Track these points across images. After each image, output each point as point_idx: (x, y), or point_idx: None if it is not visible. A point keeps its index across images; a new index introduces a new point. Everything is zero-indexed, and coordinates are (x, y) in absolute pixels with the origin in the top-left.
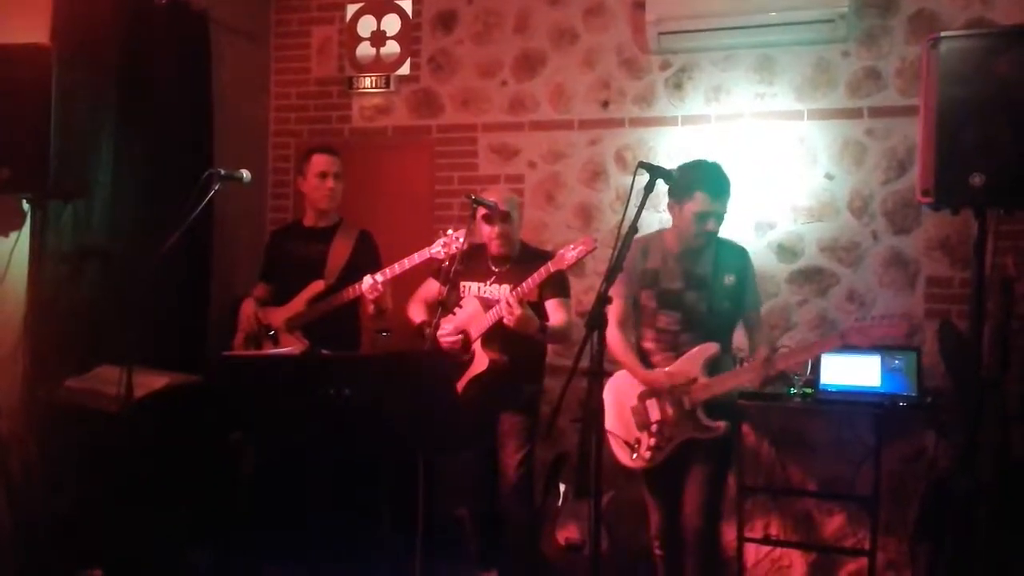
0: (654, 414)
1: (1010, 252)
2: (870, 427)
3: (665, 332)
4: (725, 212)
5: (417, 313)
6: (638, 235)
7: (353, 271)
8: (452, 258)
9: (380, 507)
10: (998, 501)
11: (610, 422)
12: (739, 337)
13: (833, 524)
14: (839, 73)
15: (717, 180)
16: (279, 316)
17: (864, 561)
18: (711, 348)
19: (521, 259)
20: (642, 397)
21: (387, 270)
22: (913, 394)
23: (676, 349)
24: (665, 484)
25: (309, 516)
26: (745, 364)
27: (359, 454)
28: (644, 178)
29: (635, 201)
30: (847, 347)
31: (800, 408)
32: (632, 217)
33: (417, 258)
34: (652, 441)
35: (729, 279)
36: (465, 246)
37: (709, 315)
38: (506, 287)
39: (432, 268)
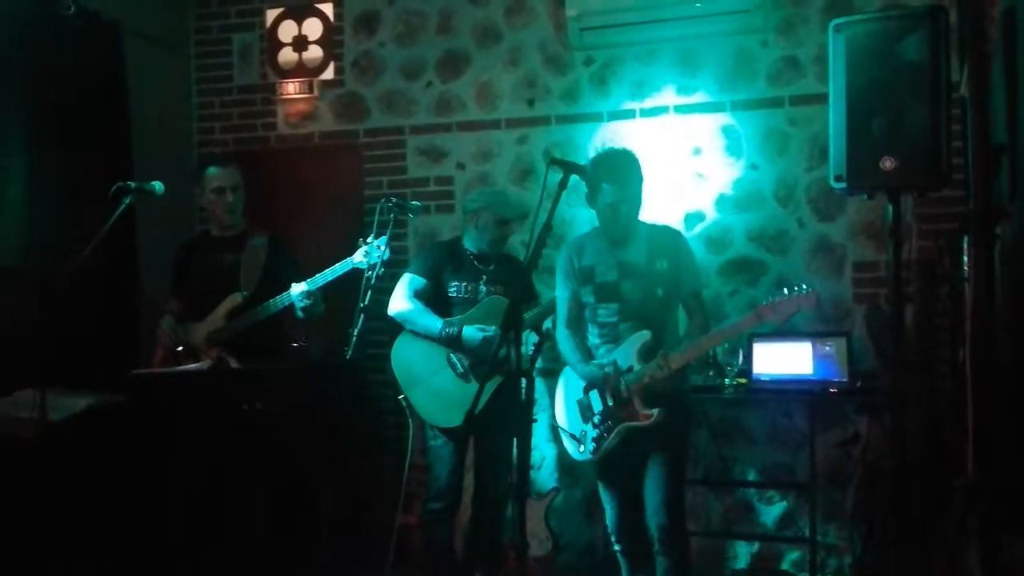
0: (596, 405)
1: (933, 235)
2: (804, 414)
3: (605, 325)
4: (637, 197)
5: (417, 309)
6: (574, 236)
7: (271, 277)
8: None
9: (318, 521)
10: (928, 482)
11: (560, 417)
12: None
13: (775, 512)
14: (759, 63)
15: (618, 168)
16: (200, 331)
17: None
18: (642, 336)
19: (500, 260)
20: (586, 390)
21: (313, 281)
22: (844, 379)
23: (617, 341)
24: (618, 476)
25: (238, 535)
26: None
27: (284, 467)
28: (558, 175)
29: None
30: (775, 330)
31: (735, 399)
32: (546, 214)
33: (340, 269)
34: (595, 433)
35: (662, 264)
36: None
37: (644, 303)
38: (499, 287)
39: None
